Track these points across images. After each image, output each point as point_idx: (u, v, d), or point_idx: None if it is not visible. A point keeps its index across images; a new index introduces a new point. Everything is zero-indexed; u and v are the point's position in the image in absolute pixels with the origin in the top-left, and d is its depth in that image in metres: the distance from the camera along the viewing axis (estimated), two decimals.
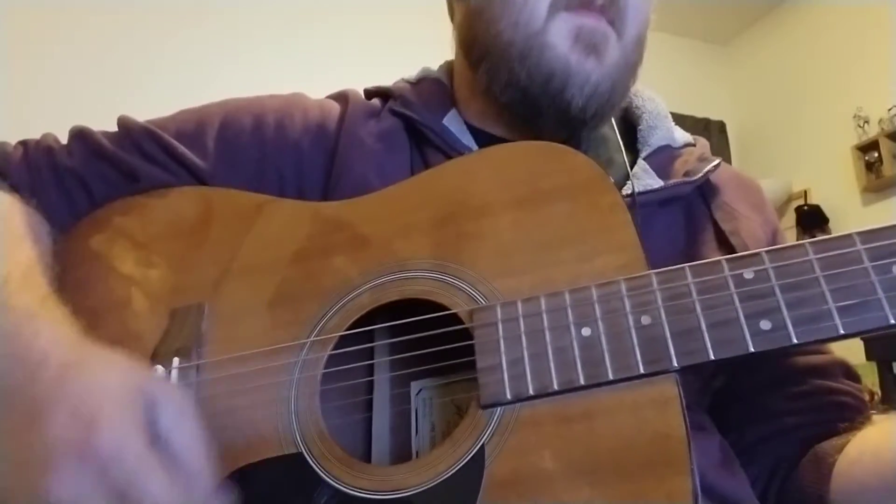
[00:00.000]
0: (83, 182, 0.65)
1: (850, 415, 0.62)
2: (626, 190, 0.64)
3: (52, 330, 0.45)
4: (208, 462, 0.43)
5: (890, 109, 3.15)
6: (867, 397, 0.66)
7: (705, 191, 0.69)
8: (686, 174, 0.66)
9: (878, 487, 0.54)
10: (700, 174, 0.66)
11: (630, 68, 0.66)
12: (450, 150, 0.66)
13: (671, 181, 0.66)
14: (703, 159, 0.68)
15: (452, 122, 0.69)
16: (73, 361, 0.42)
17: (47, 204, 0.63)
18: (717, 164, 0.68)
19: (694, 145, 0.72)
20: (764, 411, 0.66)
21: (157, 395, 0.42)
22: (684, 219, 0.67)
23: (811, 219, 3.42)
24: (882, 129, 3.21)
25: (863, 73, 3.31)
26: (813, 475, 0.60)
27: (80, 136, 0.67)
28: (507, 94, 0.65)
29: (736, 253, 0.63)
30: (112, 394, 0.40)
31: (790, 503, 0.62)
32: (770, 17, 3.92)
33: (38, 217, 0.61)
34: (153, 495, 0.38)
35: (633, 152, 0.70)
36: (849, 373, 0.67)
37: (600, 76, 0.63)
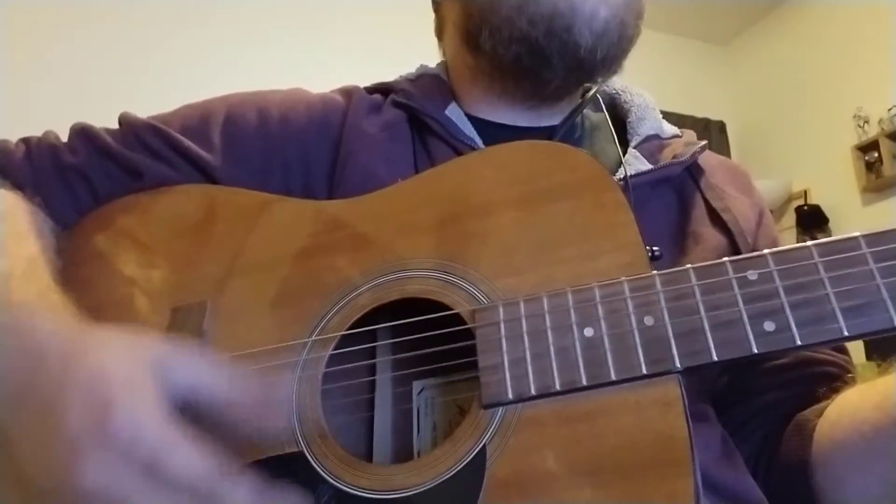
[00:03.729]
0: (87, 179, 0.65)
1: (834, 385, 0.62)
2: (619, 175, 0.65)
3: (49, 323, 0.45)
4: (246, 395, 0.44)
5: (890, 109, 3.16)
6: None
7: (694, 173, 0.70)
8: (674, 158, 0.68)
9: (858, 445, 0.54)
10: (687, 156, 0.67)
11: (636, 13, 0.65)
12: (452, 139, 0.66)
13: (661, 163, 0.67)
14: (690, 144, 0.70)
15: (453, 114, 0.70)
16: (73, 351, 0.42)
17: (51, 201, 0.63)
18: (705, 146, 0.70)
19: (681, 136, 0.73)
20: (749, 388, 0.66)
21: (166, 360, 0.42)
22: (676, 199, 0.68)
23: (811, 219, 3.42)
24: (882, 129, 3.21)
25: (863, 73, 3.31)
26: (796, 442, 0.61)
27: (83, 133, 0.67)
28: (511, 50, 0.63)
29: (729, 229, 0.65)
30: (120, 374, 0.40)
31: (776, 475, 0.62)
32: (770, 17, 3.92)
33: (42, 214, 0.61)
34: (179, 465, 0.38)
35: (624, 144, 0.71)
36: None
37: (609, 12, 0.61)
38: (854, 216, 3.33)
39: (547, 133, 0.70)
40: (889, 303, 0.39)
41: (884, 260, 0.40)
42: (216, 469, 0.39)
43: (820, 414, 0.60)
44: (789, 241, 0.44)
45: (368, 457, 0.52)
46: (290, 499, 0.42)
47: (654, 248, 0.48)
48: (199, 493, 0.39)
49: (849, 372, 0.65)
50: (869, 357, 2.46)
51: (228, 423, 0.44)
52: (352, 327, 0.52)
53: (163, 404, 0.40)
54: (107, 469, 0.37)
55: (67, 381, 0.40)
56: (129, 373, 0.41)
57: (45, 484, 0.39)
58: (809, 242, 0.42)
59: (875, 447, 0.53)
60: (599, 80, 0.69)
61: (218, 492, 0.39)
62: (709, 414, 0.62)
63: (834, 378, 0.63)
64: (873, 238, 0.41)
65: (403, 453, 0.52)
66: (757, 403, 0.65)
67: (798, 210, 3.51)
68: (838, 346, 0.67)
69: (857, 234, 0.42)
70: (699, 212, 0.67)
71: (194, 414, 0.44)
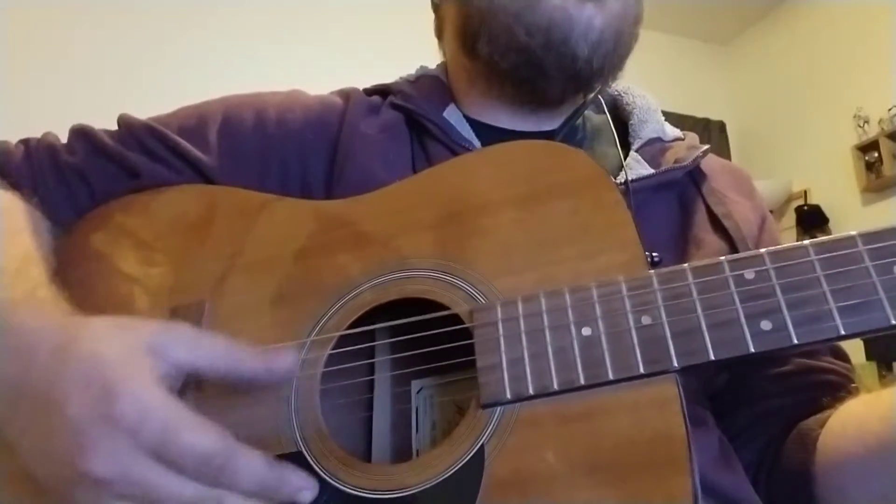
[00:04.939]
0: (85, 179, 0.65)
1: (835, 393, 0.62)
2: (620, 178, 0.65)
3: (34, 319, 0.45)
4: (246, 354, 0.45)
5: (890, 109, 3.16)
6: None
7: (696, 177, 0.70)
8: (676, 162, 0.67)
9: (862, 457, 0.54)
10: (689, 160, 0.67)
11: (633, 20, 0.64)
12: (450, 141, 0.66)
13: (662, 168, 0.67)
14: (692, 148, 0.70)
15: (452, 116, 0.70)
16: (64, 342, 0.42)
17: (49, 201, 0.63)
18: (707, 150, 0.70)
19: (683, 139, 0.73)
20: (750, 394, 0.66)
21: (163, 340, 0.42)
22: (678, 204, 0.68)
23: (811, 219, 3.42)
24: (882, 129, 3.21)
25: (863, 73, 3.31)
26: (798, 452, 0.60)
27: (82, 133, 0.68)
28: (509, 59, 0.63)
29: (730, 234, 0.64)
30: (115, 358, 0.40)
31: (778, 483, 0.62)
32: (770, 17, 3.92)
33: (39, 214, 0.62)
34: (189, 441, 0.38)
35: (626, 146, 0.71)
36: (835, 351, 0.67)
37: (603, 22, 0.61)
38: (854, 216, 3.33)
39: (547, 137, 0.70)
40: (885, 301, 0.39)
41: (880, 258, 0.40)
42: (226, 443, 0.39)
43: (822, 423, 0.60)
44: (790, 241, 0.44)
45: (367, 456, 0.52)
46: (298, 475, 0.42)
47: (654, 254, 0.48)
48: (211, 467, 0.39)
49: (851, 381, 0.65)
50: (869, 358, 2.46)
51: (238, 385, 0.44)
52: (350, 327, 0.52)
53: (163, 384, 0.40)
54: (118, 455, 0.37)
55: (62, 372, 0.40)
56: (125, 356, 0.41)
57: (53, 477, 0.39)
58: (806, 241, 0.42)
59: (879, 459, 0.53)
60: (597, 87, 0.69)
61: (229, 466, 0.39)
62: (706, 418, 0.62)
63: (835, 386, 0.63)
64: (870, 236, 0.41)
65: (402, 453, 0.52)
66: (758, 409, 0.65)
67: (798, 210, 3.51)
68: (839, 353, 0.67)
69: (853, 232, 0.42)
70: (700, 217, 0.67)
71: (196, 394, 0.45)
